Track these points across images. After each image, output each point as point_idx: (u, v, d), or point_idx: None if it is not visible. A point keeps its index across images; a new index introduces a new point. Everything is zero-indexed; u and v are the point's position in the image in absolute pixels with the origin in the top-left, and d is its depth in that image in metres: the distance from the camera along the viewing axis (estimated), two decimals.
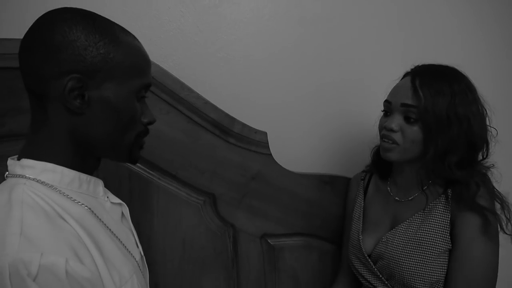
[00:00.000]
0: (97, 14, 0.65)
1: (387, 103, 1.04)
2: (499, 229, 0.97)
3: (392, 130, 0.99)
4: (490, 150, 1.01)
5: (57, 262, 0.52)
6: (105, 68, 0.62)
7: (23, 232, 0.53)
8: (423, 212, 1.02)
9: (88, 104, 0.62)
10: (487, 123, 1.00)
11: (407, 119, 0.98)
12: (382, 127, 1.04)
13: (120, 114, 0.65)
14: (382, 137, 1.03)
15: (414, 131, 0.97)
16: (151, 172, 1.12)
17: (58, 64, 0.60)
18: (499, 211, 0.97)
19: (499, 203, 0.98)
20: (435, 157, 0.96)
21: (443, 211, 0.99)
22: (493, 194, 0.98)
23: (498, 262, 0.96)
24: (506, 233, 0.97)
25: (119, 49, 0.63)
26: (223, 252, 1.20)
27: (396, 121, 0.99)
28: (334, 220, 1.33)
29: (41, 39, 0.61)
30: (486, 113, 1.00)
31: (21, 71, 0.64)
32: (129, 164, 1.07)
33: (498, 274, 0.96)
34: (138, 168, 1.10)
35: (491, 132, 1.01)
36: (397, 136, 0.99)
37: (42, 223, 0.56)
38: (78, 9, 0.64)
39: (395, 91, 1.04)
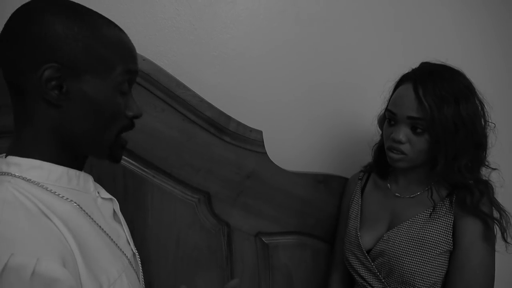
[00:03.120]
0: (81, 6, 0.63)
1: (391, 113, 1.03)
2: (500, 236, 1.00)
3: (400, 142, 1.00)
4: (490, 144, 1.03)
5: (26, 263, 0.50)
6: (85, 60, 0.61)
7: None
8: (426, 212, 1.04)
9: (67, 96, 0.61)
10: (487, 118, 1.02)
11: (413, 129, 0.99)
12: (388, 138, 1.04)
13: (100, 107, 0.63)
14: (389, 148, 1.03)
15: (422, 141, 0.99)
16: (145, 169, 1.11)
17: (36, 55, 0.59)
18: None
19: (498, 212, 1.00)
20: (445, 163, 0.98)
21: (447, 214, 1.01)
22: (494, 203, 1.00)
23: (494, 267, 0.98)
24: (507, 242, 1.00)
25: (100, 42, 0.62)
26: (218, 250, 1.20)
27: (403, 133, 1.00)
28: (328, 219, 1.33)
29: (18, 30, 0.59)
30: (485, 108, 1.01)
31: (1, 65, 0.62)
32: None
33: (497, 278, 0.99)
34: (132, 165, 1.10)
35: (490, 126, 1.03)
36: (405, 147, 1.00)
37: (22, 222, 0.54)
38: (62, 0, 0.63)
39: (398, 102, 1.02)
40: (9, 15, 0.62)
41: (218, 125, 1.15)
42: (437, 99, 0.95)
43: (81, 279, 0.56)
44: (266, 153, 1.22)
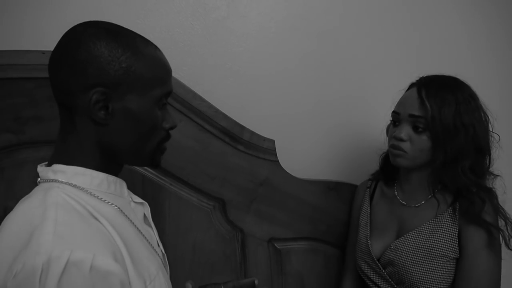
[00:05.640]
0: (120, 28, 0.68)
1: (395, 113, 1.08)
2: (503, 244, 1.01)
3: (401, 140, 1.04)
4: (493, 156, 1.06)
5: (85, 258, 0.54)
6: (127, 80, 0.65)
7: (56, 231, 0.56)
8: (432, 222, 1.06)
9: (112, 115, 0.65)
10: (490, 129, 1.05)
11: (415, 128, 1.03)
12: (391, 137, 1.08)
13: (142, 123, 0.68)
14: (391, 146, 1.07)
15: (423, 140, 1.02)
16: (163, 178, 1.16)
17: (84, 79, 0.63)
18: (503, 228, 1.02)
19: (503, 219, 1.02)
20: (445, 164, 1.01)
21: (452, 223, 1.04)
22: (498, 211, 1.03)
23: (500, 274, 1.00)
24: (510, 249, 1.01)
25: (140, 62, 0.66)
26: (232, 256, 1.24)
27: (405, 131, 1.04)
28: (339, 225, 1.37)
29: (68, 55, 0.64)
30: (489, 119, 1.05)
31: (51, 85, 0.67)
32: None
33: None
34: (151, 174, 1.15)
35: (494, 138, 1.06)
36: (406, 145, 1.04)
37: (75, 222, 0.59)
38: (102, 23, 0.68)
39: (402, 102, 1.08)
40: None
41: (232, 134, 1.19)
42: (439, 100, 1.00)
43: (129, 276, 0.61)
44: (278, 161, 1.26)
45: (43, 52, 0.97)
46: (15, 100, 1.00)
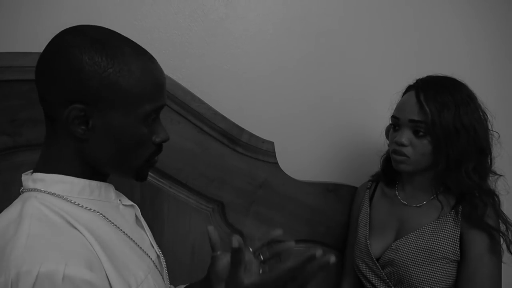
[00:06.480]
0: (109, 36, 0.63)
1: (394, 118, 1.08)
2: (505, 248, 1.02)
3: (402, 145, 1.04)
4: (493, 154, 1.06)
5: (56, 268, 0.53)
6: (110, 97, 0.61)
7: (27, 245, 0.55)
8: (434, 223, 1.06)
9: (93, 131, 0.63)
10: (489, 127, 1.05)
11: (415, 133, 1.03)
12: (392, 142, 1.08)
13: (125, 140, 0.65)
14: (393, 152, 1.08)
15: (424, 144, 1.02)
16: (161, 180, 1.15)
17: (63, 92, 0.61)
18: (504, 232, 1.02)
19: (504, 224, 1.03)
20: (448, 167, 1.01)
21: (454, 226, 1.04)
22: (500, 216, 1.03)
23: (501, 278, 1.02)
24: (511, 253, 1.02)
25: (126, 78, 0.62)
26: None
27: (406, 136, 1.04)
28: (338, 227, 1.36)
29: (49, 65, 0.61)
30: (488, 118, 1.05)
31: (38, 92, 0.65)
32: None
33: None
34: (149, 176, 1.13)
35: (494, 136, 1.07)
36: (407, 150, 1.04)
37: (48, 234, 0.58)
38: (90, 31, 0.63)
39: (401, 107, 1.08)
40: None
41: (231, 136, 1.18)
42: (438, 104, 1.00)
43: (111, 282, 0.59)
44: (277, 163, 1.25)
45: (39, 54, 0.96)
46: (12, 102, 0.99)
